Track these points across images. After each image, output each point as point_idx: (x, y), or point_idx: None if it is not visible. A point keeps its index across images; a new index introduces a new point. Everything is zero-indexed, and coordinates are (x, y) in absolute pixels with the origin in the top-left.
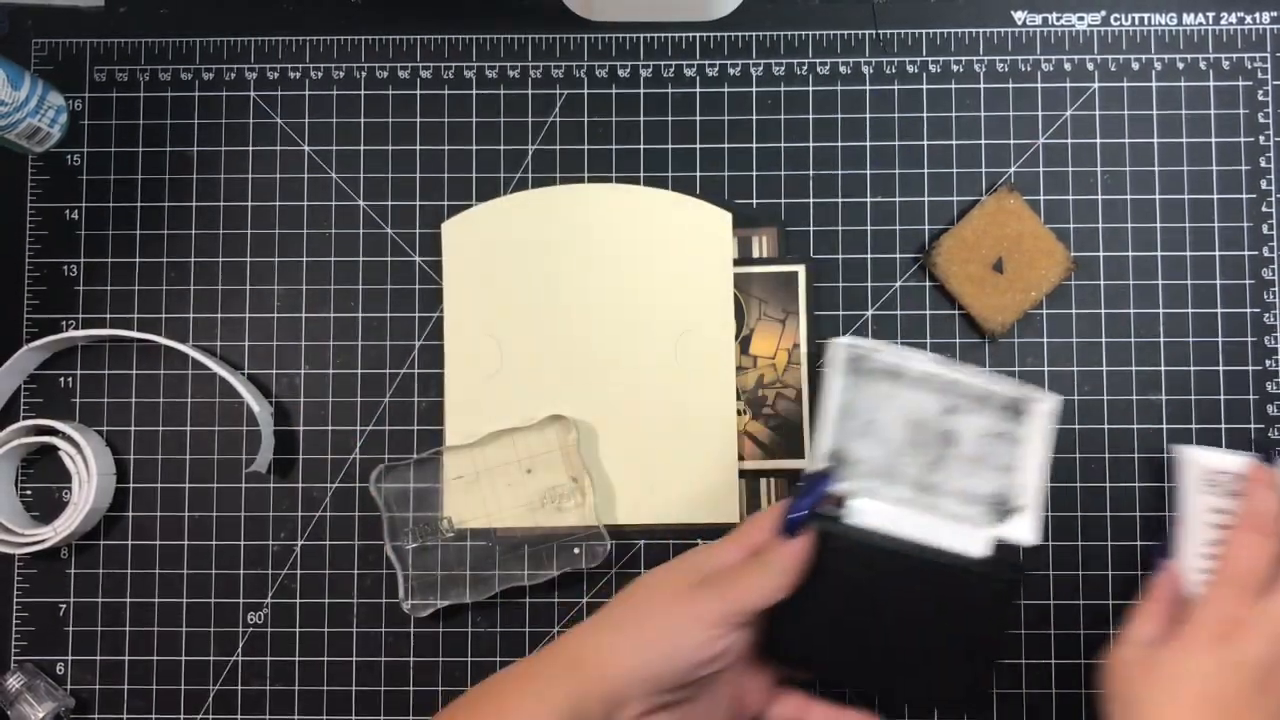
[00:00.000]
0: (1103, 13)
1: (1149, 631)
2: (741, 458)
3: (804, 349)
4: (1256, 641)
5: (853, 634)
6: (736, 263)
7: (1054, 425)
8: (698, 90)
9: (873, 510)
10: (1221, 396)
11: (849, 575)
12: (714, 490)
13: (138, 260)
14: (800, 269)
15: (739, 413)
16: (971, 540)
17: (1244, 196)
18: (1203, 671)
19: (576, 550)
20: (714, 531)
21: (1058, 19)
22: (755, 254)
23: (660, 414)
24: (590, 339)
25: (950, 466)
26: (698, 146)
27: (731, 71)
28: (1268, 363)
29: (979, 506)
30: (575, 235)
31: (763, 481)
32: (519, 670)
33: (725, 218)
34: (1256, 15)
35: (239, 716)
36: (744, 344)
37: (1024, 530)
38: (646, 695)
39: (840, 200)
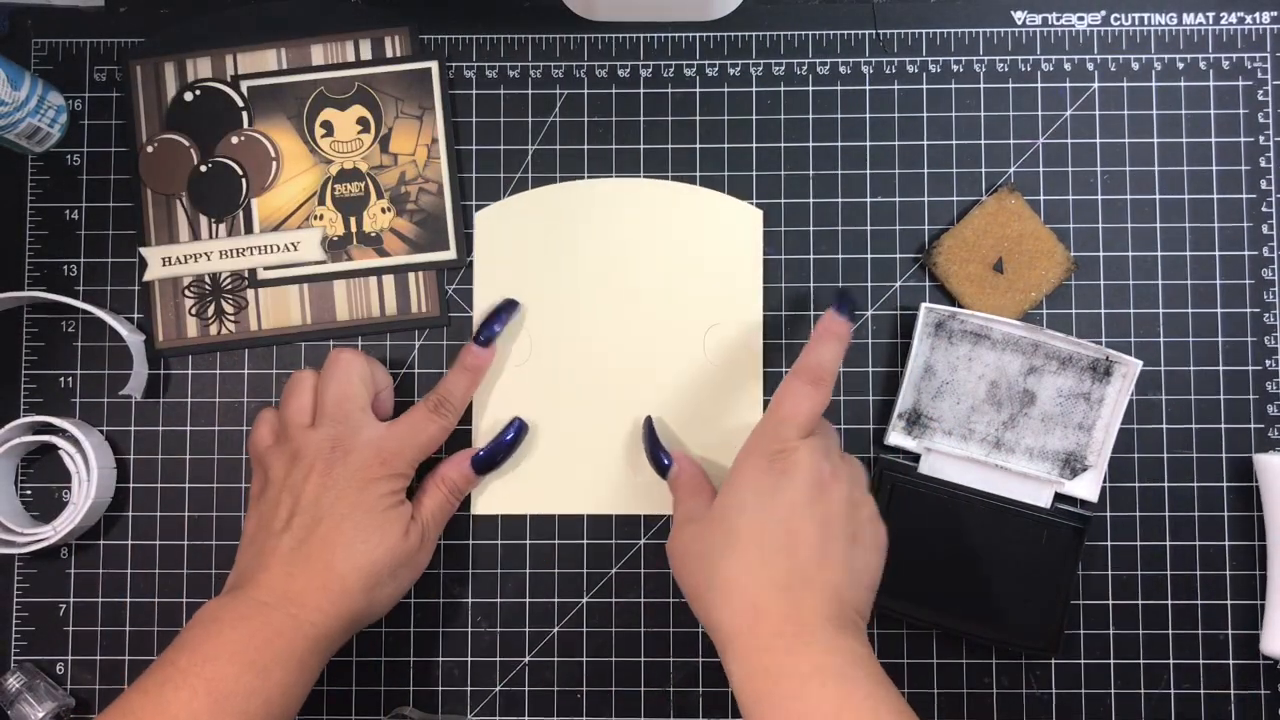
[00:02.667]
0: (1103, 13)
1: None
2: (385, 254)
3: (443, 144)
4: None
5: (931, 578)
6: (369, 63)
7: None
8: (698, 90)
9: (945, 463)
10: (1221, 396)
11: (923, 523)
12: None
13: (137, 260)
14: (433, 65)
15: (384, 210)
16: (1038, 493)
17: (1244, 196)
18: None
19: None
20: None
21: (1058, 19)
22: (388, 54)
23: (687, 407)
24: (620, 331)
25: (1024, 424)
26: (698, 146)
27: (731, 71)
28: (1268, 363)
29: (1048, 463)
30: (607, 228)
31: None
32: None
33: (756, 215)
34: (1256, 15)
35: None
36: (384, 143)
37: (1088, 487)
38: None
39: (840, 200)
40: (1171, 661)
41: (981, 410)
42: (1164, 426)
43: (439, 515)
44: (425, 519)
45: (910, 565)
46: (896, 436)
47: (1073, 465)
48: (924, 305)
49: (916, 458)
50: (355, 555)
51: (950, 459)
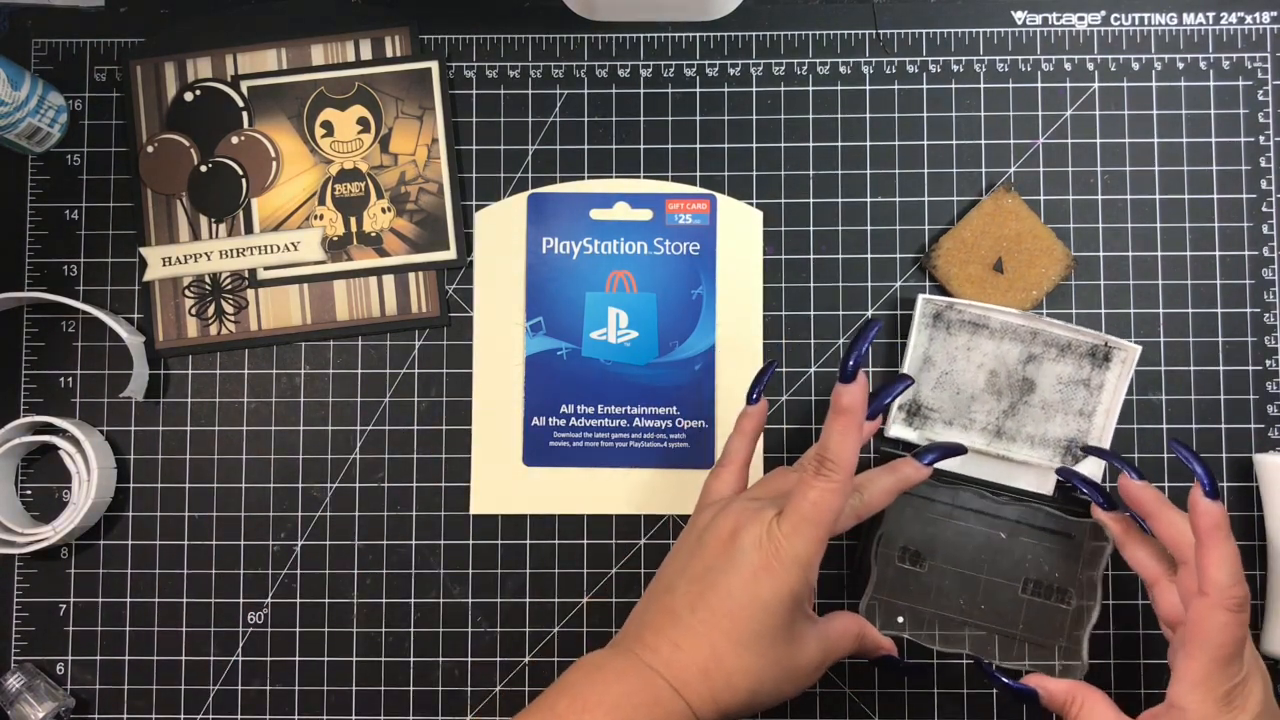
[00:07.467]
0: (1103, 13)
1: None
2: (385, 254)
3: (443, 144)
4: None
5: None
6: (369, 63)
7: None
8: (698, 90)
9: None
10: (1221, 396)
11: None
12: None
13: (137, 260)
14: (433, 65)
15: (384, 210)
16: (1040, 481)
17: (1244, 196)
18: None
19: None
20: None
21: (1058, 19)
22: (388, 53)
23: None
24: None
25: (1024, 412)
26: (698, 146)
27: (731, 71)
28: (1268, 363)
29: (1049, 450)
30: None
31: None
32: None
33: (756, 215)
34: (1256, 15)
35: (239, 716)
36: (384, 143)
37: (1090, 473)
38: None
39: (840, 200)
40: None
41: (981, 399)
42: (1164, 426)
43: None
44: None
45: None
46: (897, 428)
47: (1074, 452)
48: (921, 297)
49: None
50: (744, 662)
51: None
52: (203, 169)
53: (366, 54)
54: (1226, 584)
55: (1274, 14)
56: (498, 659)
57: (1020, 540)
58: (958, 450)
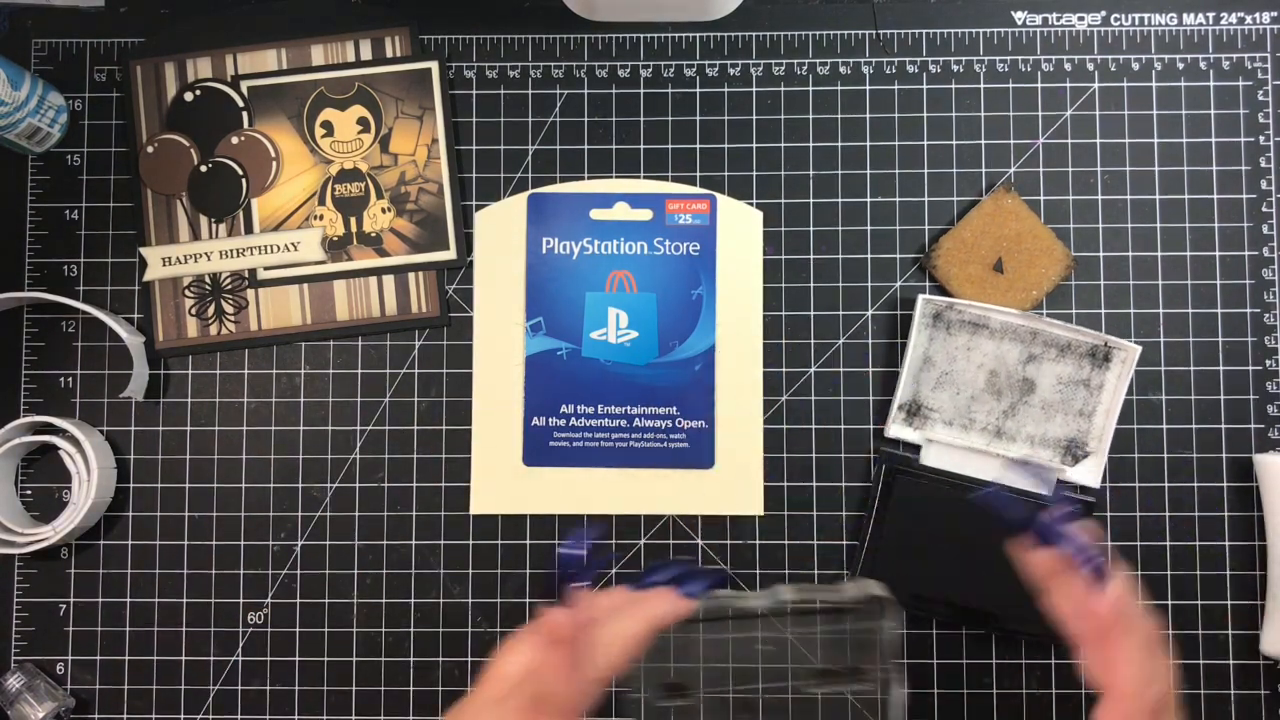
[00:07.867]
0: (1103, 13)
1: None
2: (385, 254)
3: (443, 144)
4: None
5: (936, 569)
6: (369, 63)
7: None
8: (698, 90)
9: (946, 454)
10: (1221, 396)
11: (926, 515)
12: (734, 484)
13: (137, 260)
14: (434, 65)
15: (384, 210)
16: (1039, 481)
17: (1244, 196)
18: None
19: None
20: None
21: (1058, 19)
22: (389, 54)
23: None
24: None
25: (1024, 413)
26: (698, 146)
27: (731, 71)
28: (1268, 363)
29: (1049, 450)
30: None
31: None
32: None
33: (756, 215)
34: (1256, 15)
35: (239, 716)
36: (384, 143)
37: (1090, 473)
38: None
39: (840, 200)
40: (1171, 662)
41: (981, 400)
42: (1164, 426)
43: None
44: None
45: (915, 557)
46: (897, 428)
47: (1074, 452)
48: (921, 297)
49: (918, 449)
50: None
51: (951, 449)
52: (203, 169)
53: (366, 54)
54: (1138, 688)
55: (1274, 14)
56: None
57: (791, 633)
58: (722, 583)
